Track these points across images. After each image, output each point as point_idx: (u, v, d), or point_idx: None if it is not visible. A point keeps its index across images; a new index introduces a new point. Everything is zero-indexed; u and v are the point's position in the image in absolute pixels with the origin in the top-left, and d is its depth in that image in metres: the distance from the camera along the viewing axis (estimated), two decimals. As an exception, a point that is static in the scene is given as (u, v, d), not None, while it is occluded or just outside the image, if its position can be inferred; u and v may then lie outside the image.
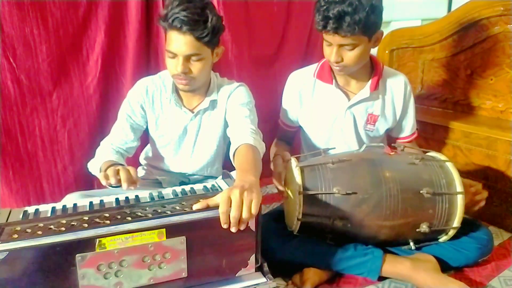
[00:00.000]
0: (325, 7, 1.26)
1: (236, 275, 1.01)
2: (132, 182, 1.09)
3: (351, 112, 1.49)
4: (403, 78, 1.52)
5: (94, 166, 1.29)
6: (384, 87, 1.50)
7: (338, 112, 1.49)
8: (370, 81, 1.47)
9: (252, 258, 1.02)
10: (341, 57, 1.34)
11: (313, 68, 1.53)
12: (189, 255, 0.95)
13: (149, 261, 0.92)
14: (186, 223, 0.93)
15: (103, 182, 1.09)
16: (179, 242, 0.93)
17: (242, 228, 0.93)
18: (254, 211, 0.92)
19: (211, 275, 0.99)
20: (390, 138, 1.63)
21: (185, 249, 0.94)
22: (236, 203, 0.91)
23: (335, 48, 1.32)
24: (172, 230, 0.92)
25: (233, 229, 0.93)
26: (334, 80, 1.47)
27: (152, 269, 0.93)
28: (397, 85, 1.51)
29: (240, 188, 0.93)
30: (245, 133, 1.24)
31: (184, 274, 0.96)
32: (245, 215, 0.91)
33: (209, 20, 1.20)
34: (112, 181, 1.07)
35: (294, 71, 1.57)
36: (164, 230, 0.91)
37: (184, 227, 0.93)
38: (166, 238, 0.92)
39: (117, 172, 1.08)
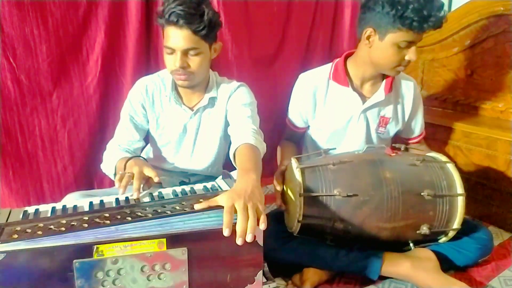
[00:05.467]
0: (421, 5, 1.23)
1: None
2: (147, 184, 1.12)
3: (365, 115, 1.48)
4: (412, 80, 1.53)
5: (108, 167, 1.31)
6: (396, 89, 1.49)
7: (352, 115, 1.48)
8: (383, 83, 1.46)
9: (259, 274, 0.96)
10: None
11: (326, 69, 1.51)
12: (190, 267, 0.90)
13: (148, 270, 0.88)
14: (188, 233, 0.89)
15: (117, 184, 1.11)
16: (180, 253, 0.89)
17: (249, 239, 0.88)
18: (262, 220, 0.90)
19: None
20: (398, 139, 1.63)
21: (186, 261, 0.89)
22: (241, 211, 0.88)
23: (414, 47, 1.32)
24: (173, 240, 0.88)
25: (239, 241, 0.88)
26: (350, 83, 1.46)
27: (151, 279, 0.89)
28: (407, 88, 1.51)
29: (243, 195, 0.91)
30: (246, 133, 1.24)
31: (185, 287, 0.92)
32: (251, 224, 0.88)
33: (206, 13, 1.21)
34: (121, 191, 1.09)
35: (304, 72, 1.55)
36: (164, 240, 0.88)
37: (186, 238, 0.89)
38: (167, 248, 0.88)
39: (131, 178, 1.10)
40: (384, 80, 1.46)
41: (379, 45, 1.33)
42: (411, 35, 1.29)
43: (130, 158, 1.22)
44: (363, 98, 1.47)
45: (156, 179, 1.12)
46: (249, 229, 0.87)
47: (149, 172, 1.13)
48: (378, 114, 1.49)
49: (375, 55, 1.36)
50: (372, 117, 1.49)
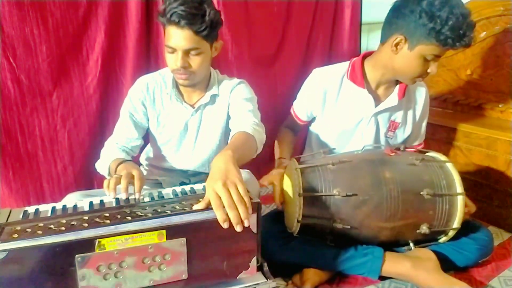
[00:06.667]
0: (459, 23, 1.21)
1: (237, 277, 1.00)
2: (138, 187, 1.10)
3: (375, 118, 1.47)
4: (424, 86, 1.52)
5: (102, 166, 1.31)
6: (408, 94, 1.48)
7: (363, 117, 1.47)
8: (397, 88, 1.44)
9: (254, 261, 1.00)
10: None
11: (342, 68, 1.48)
12: (189, 256, 0.94)
13: (149, 262, 0.91)
14: (186, 224, 0.92)
15: (106, 191, 1.09)
16: (180, 244, 0.92)
17: (246, 224, 0.90)
18: (246, 201, 0.90)
19: (212, 278, 0.98)
20: None
21: (185, 251, 0.93)
22: (225, 198, 0.89)
23: (438, 61, 1.32)
24: (173, 232, 0.91)
25: (238, 228, 0.89)
26: (366, 84, 1.44)
27: (152, 270, 0.92)
28: (419, 94, 1.50)
29: (219, 177, 0.92)
30: (245, 123, 1.24)
31: (184, 276, 0.95)
32: (240, 209, 0.89)
33: (207, 14, 1.20)
34: (111, 195, 1.07)
35: (319, 68, 1.52)
36: (164, 231, 0.90)
37: (185, 229, 0.92)
38: (166, 239, 0.91)
39: (119, 182, 1.08)
40: (398, 85, 1.44)
41: (406, 54, 1.31)
42: (441, 50, 1.27)
43: (122, 162, 1.22)
44: (377, 101, 1.45)
45: (137, 183, 1.10)
46: (242, 215, 0.89)
47: (135, 173, 1.12)
48: (388, 118, 1.48)
49: (399, 62, 1.34)
50: (383, 121, 1.48)
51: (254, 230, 0.97)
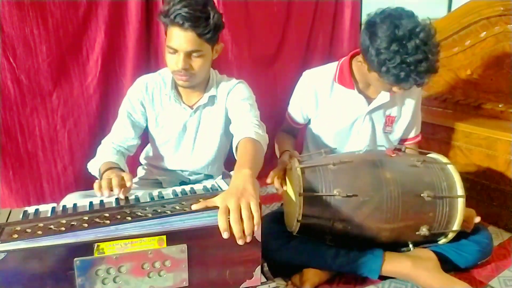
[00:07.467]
0: (396, 70, 1.20)
1: (240, 287, 0.98)
2: (122, 186, 1.08)
3: (370, 116, 1.47)
4: None
5: (94, 167, 1.30)
6: None
7: (357, 117, 1.47)
8: None
9: (258, 270, 0.98)
10: None
11: (331, 70, 1.48)
12: (190, 264, 0.91)
13: (148, 268, 0.89)
14: (187, 230, 0.90)
15: (97, 193, 1.07)
16: (180, 250, 0.90)
17: (247, 240, 0.89)
18: (256, 219, 0.89)
19: (214, 286, 0.96)
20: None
21: (186, 258, 0.91)
22: (233, 211, 0.88)
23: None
24: (173, 238, 0.89)
25: (239, 242, 0.89)
26: (355, 85, 1.45)
27: (151, 276, 0.90)
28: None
29: (235, 193, 0.91)
30: (247, 127, 1.23)
31: (185, 284, 0.92)
32: (246, 224, 0.88)
33: (211, 17, 1.20)
34: (105, 194, 1.05)
35: (309, 70, 1.53)
36: (164, 237, 0.89)
37: (186, 235, 0.90)
38: (167, 245, 0.89)
39: (110, 182, 1.06)
40: None
41: (368, 73, 1.33)
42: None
43: (109, 168, 1.21)
44: (369, 100, 1.46)
45: (128, 183, 1.09)
46: (246, 230, 0.88)
47: (124, 174, 1.11)
48: (383, 114, 1.49)
49: (367, 77, 1.37)
50: (378, 118, 1.49)
51: (259, 238, 0.95)
